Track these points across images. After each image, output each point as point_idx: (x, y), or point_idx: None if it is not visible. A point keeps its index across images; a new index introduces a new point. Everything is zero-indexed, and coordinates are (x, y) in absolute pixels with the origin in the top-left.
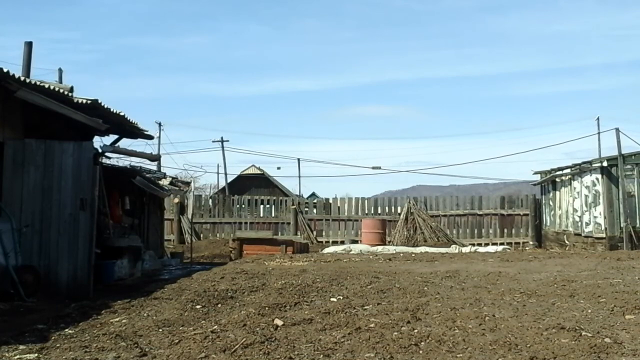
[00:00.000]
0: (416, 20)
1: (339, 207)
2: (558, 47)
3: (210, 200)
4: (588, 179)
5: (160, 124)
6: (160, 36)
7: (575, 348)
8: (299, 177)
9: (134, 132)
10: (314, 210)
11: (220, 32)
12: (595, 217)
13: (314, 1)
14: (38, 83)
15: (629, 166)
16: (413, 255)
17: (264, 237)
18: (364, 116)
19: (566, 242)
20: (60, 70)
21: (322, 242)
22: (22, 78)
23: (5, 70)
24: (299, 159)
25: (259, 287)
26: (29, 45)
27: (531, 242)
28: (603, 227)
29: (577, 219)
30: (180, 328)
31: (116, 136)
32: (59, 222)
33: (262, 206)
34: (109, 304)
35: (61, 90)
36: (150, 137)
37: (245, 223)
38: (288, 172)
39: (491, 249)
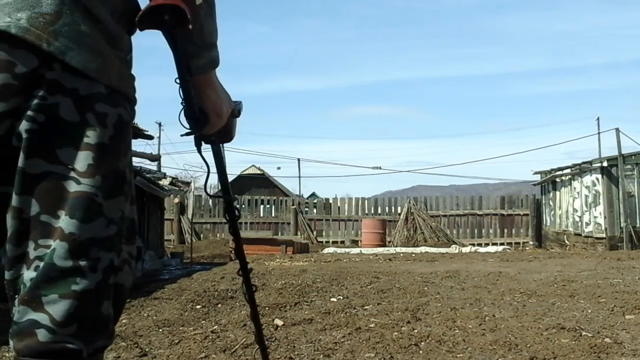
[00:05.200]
0: (416, 20)
1: (339, 207)
2: (558, 47)
3: (211, 200)
4: (588, 179)
5: (160, 124)
6: (161, 36)
7: (575, 348)
8: (299, 177)
9: (134, 132)
10: (314, 210)
11: (221, 31)
12: (595, 217)
13: (314, 1)
14: None
15: (629, 166)
16: (413, 255)
17: (264, 237)
18: (364, 116)
19: (566, 242)
20: None
21: (322, 242)
22: None
23: None
24: (299, 159)
25: (259, 287)
26: None
27: (531, 242)
28: (603, 227)
29: (577, 219)
30: (180, 328)
31: None
32: None
33: (262, 206)
34: None
35: None
36: (150, 137)
37: (245, 223)
38: (288, 172)
39: (491, 249)
